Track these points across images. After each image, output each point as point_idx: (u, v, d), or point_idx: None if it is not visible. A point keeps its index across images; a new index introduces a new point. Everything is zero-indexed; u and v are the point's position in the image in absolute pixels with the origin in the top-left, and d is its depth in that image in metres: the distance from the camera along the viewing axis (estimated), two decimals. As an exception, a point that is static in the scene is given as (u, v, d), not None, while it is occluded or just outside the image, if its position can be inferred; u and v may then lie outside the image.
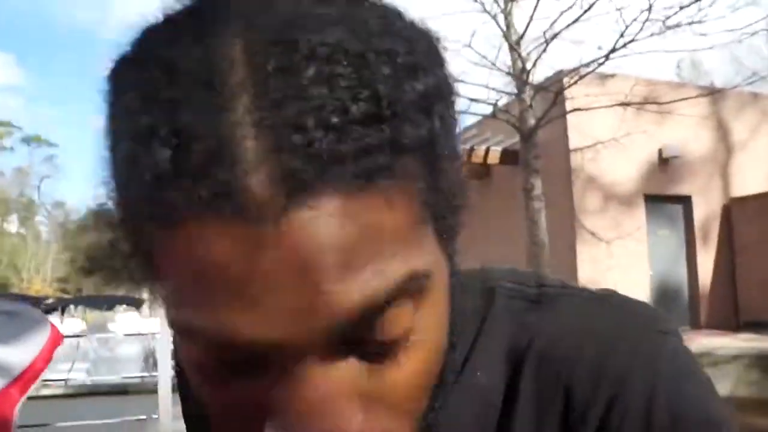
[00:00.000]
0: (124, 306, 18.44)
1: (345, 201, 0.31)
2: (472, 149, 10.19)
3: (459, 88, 0.40)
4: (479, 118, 10.31)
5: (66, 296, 32.73)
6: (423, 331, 0.36)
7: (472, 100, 8.43)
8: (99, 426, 6.11)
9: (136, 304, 16.64)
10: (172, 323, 0.35)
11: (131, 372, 11.91)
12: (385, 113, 0.31)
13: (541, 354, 0.46)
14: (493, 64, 8.24)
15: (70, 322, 18.13)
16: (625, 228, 9.88)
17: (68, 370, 11.87)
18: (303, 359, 0.33)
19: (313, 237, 0.30)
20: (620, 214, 10.02)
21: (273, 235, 0.30)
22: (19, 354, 0.98)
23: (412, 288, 0.34)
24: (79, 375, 11.78)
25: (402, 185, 0.33)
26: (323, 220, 0.30)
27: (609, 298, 0.49)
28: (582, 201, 9.81)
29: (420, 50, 0.35)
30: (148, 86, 0.32)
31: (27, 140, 67.90)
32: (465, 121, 9.20)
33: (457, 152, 0.39)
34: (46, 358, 1.01)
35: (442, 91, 0.37)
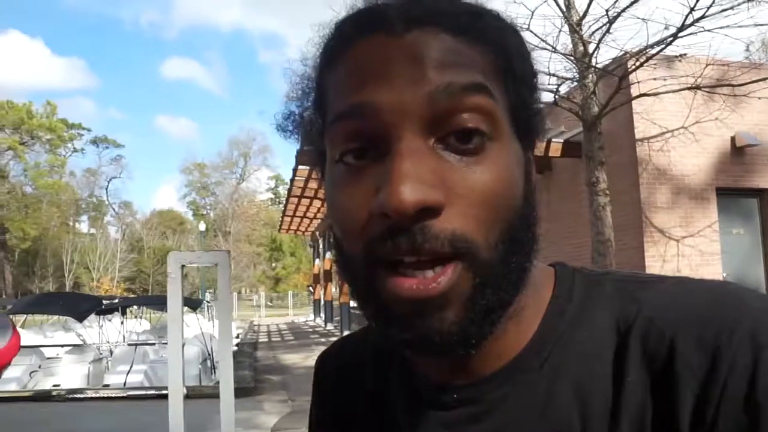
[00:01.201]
0: (186, 308, 18.67)
1: (442, 32, 0.51)
2: (531, 141, 9.76)
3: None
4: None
5: (131, 296, 33.47)
6: (497, 156, 0.51)
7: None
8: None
9: (194, 305, 16.76)
10: (337, 116, 0.53)
11: (189, 375, 11.89)
12: (475, 10, 0.55)
13: (648, 319, 0.53)
14: (553, 48, 7.73)
15: (132, 323, 18.37)
16: (696, 224, 9.29)
17: (126, 372, 11.96)
18: (402, 136, 0.49)
19: (421, 46, 0.50)
20: (690, 209, 9.40)
21: (400, 42, 0.51)
22: None
23: (482, 94, 0.50)
24: (137, 377, 11.84)
25: (479, 48, 0.52)
26: (427, 38, 0.51)
27: (709, 281, 0.56)
28: (649, 195, 9.23)
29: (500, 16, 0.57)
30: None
31: (96, 142, 70.47)
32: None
33: (535, 84, 0.58)
34: None
35: (516, 36, 0.57)
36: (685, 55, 7.61)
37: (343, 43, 0.54)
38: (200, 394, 8.44)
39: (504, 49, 0.54)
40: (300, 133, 0.62)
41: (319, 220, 11.91)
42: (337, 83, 0.54)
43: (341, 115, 0.52)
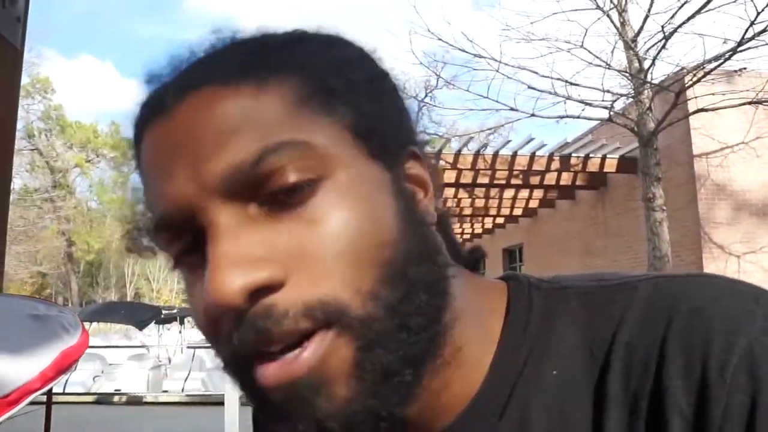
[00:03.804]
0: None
1: (222, 91, 0.43)
2: (587, 157, 9.73)
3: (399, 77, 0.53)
4: (595, 123, 9.81)
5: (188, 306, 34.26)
6: (339, 195, 0.42)
7: (585, 103, 8.00)
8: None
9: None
10: (150, 228, 0.45)
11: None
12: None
13: (626, 344, 0.45)
14: (608, 65, 7.74)
15: (190, 332, 18.87)
16: (758, 241, 9.05)
17: (184, 379, 12.31)
18: (211, 219, 0.41)
19: (196, 113, 0.43)
20: (752, 225, 9.16)
21: (172, 122, 0.43)
22: (19, 370, 0.84)
23: (284, 150, 0.41)
24: (195, 384, 12.17)
25: (279, 80, 0.44)
26: (206, 108, 0.42)
27: (695, 278, 0.47)
28: (708, 211, 9.03)
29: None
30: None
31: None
32: (579, 126, 8.76)
33: (381, 90, 0.49)
34: (47, 377, 0.87)
35: (333, 49, 0.49)
36: (745, 69, 7.50)
37: (136, 135, 0.47)
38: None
39: (312, 70, 0.45)
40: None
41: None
42: (144, 182, 0.47)
43: (153, 227, 0.44)
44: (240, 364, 0.42)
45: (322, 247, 0.41)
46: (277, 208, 0.41)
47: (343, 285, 0.40)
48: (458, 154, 9.55)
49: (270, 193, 0.41)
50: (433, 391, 0.46)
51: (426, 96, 9.57)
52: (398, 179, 0.46)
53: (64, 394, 10.72)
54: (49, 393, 1.34)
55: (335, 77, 0.46)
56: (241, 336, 0.40)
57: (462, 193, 11.51)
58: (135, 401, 10.83)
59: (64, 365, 0.93)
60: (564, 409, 0.46)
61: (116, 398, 11.00)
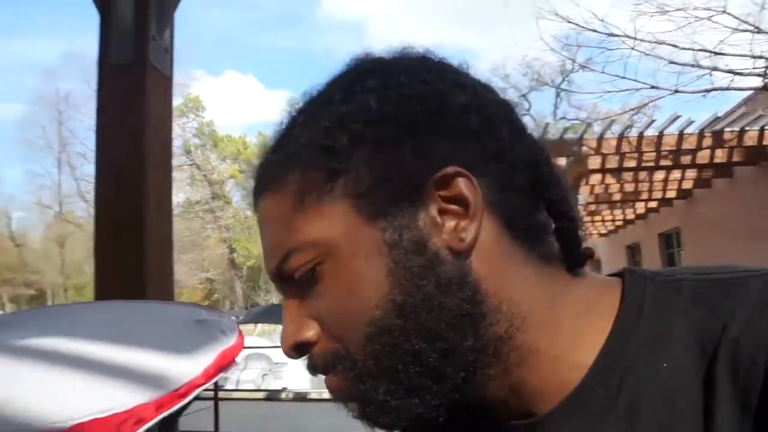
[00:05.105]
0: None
1: (260, 200, 0.59)
2: (743, 131, 9.02)
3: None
4: (747, 93, 9.09)
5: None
6: (332, 275, 0.54)
7: (734, 73, 7.46)
8: None
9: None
10: None
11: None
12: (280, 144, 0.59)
13: (734, 340, 0.46)
14: (757, 28, 7.16)
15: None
16: None
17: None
18: (280, 290, 0.59)
19: (258, 218, 0.60)
20: None
21: (258, 216, 0.60)
22: (187, 368, 1.04)
23: (294, 255, 0.55)
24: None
25: (284, 186, 0.56)
26: (259, 210, 0.60)
27: None
28: None
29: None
30: None
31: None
32: (729, 99, 8.17)
33: (369, 157, 0.53)
34: (209, 374, 1.06)
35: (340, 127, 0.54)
36: None
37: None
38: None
39: (311, 153, 0.54)
40: None
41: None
42: None
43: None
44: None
45: (326, 315, 0.55)
46: (304, 288, 0.56)
47: (342, 342, 0.55)
48: (601, 138, 9.23)
49: (295, 283, 0.56)
50: (504, 387, 0.54)
51: (563, 81, 9.32)
52: (401, 230, 0.52)
53: (236, 390, 11.64)
54: (216, 389, 1.57)
55: (338, 137, 0.53)
56: (306, 365, 0.59)
57: (609, 179, 11.09)
58: (300, 398, 11.45)
59: (224, 363, 1.12)
60: (675, 401, 0.48)
61: (283, 395, 11.73)
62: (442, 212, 0.52)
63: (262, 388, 13.04)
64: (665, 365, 0.49)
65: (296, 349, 0.57)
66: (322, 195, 0.53)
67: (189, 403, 0.97)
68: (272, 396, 11.78)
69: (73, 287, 41.19)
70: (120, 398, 0.78)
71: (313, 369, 0.58)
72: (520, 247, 0.55)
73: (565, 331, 0.54)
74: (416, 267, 0.51)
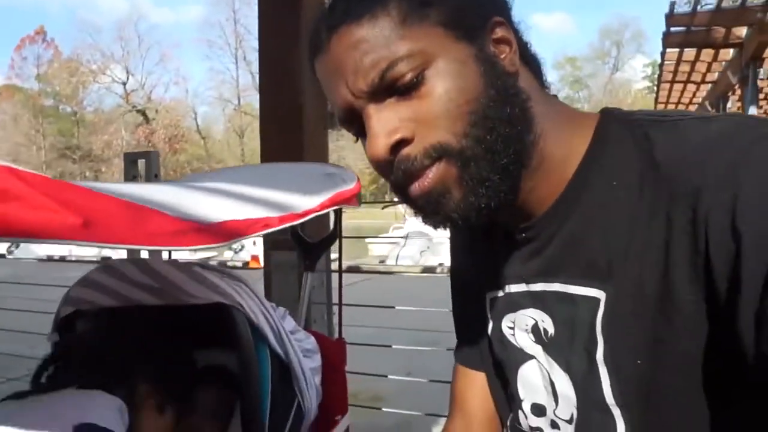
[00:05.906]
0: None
1: (348, 29, 0.63)
2: None
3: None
4: None
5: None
6: (438, 77, 0.62)
7: None
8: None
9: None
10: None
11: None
12: None
13: (657, 165, 0.61)
14: None
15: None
16: None
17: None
18: (365, 111, 0.64)
19: (341, 48, 0.64)
20: None
21: (328, 55, 0.65)
22: (309, 201, 1.38)
23: (399, 62, 0.62)
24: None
25: (385, 10, 0.63)
26: (345, 42, 0.63)
27: (722, 116, 0.61)
28: None
29: None
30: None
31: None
32: None
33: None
34: (324, 205, 1.35)
35: None
36: None
37: (310, 58, 0.69)
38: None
39: None
40: None
41: (695, 106, 10.74)
42: (324, 90, 0.70)
43: (337, 120, 0.69)
44: (399, 188, 0.66)
45: (430, 112, 0.62)
46: (403, 96, 0.63)
47: (446, 132, 0.62)
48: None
49: (396, 88, 0.62)
50: (524, 191, 0.68)
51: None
52: (481, 49, 0.64)
53: (397, 265, 12.43)
54: (339, 260, 1.97)
55: None
56: (395, 174, 0.65)
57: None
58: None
59: (337, 200, 1.43)
60: (619, 207, 0.63)
61: (438, 269, 12.34)
62: (497, 45, 0.66)
63: (420, 263, 13.83)
64: (614, 183, 0.65)
65: (393, 147, 0.63)
66: (422, 18, 0.62)
67: (306, 222, 1.29)
68: (429, 270, 12.43)
69: (252, 173, 44.05)
70: (255, 213, 1.05)
71: (407, 173, 0.63)
72: (534, 77, 0.70)
73: (563, 147, 0.68)
74: (498, 73, 0.64)
